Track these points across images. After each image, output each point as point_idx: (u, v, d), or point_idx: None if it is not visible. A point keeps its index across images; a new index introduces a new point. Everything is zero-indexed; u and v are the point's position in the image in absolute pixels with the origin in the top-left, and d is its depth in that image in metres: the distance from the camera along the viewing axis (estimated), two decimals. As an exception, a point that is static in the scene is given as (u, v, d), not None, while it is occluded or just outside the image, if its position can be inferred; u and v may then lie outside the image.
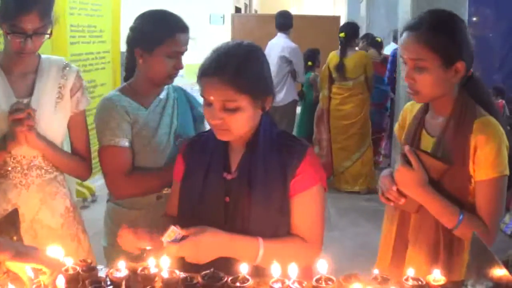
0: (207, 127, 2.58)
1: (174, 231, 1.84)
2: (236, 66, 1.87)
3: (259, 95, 1.94)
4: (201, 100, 2.30)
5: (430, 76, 1.99)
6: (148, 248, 1.93)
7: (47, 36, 2.33)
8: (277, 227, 1.99)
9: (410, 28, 2.04)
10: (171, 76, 2.52)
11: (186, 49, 2.49)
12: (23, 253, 1.75)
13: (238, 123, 1.92)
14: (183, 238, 1.84)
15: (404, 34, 2.06)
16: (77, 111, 2.53)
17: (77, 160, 2.54)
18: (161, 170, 2.51)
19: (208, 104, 1.93)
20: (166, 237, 1.83)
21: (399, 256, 2.17)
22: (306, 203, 2.00)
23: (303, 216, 2.01)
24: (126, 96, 2.55)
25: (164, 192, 2.53)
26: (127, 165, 2.49)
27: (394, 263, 2.16)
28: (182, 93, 2.73)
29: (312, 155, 2.04)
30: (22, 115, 2.24)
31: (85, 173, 2.60)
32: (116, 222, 2.57)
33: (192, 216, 2.03)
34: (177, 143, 2.57)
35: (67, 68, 2.50)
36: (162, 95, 2.63)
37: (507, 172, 1.99)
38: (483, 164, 1.98)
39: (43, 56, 2.48)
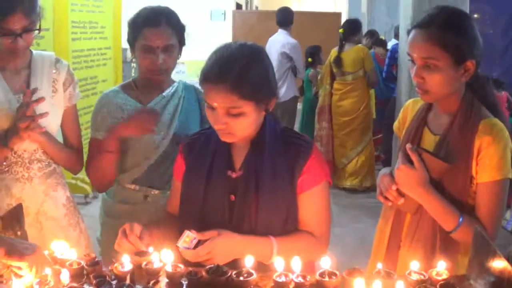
0: None
1: (189, 236, 1.84)
2: (239, 72, 1.84)
3: (263, 99, 1.93)
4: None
5: (440, 75, 1.95)
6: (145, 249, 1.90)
7: (37, 32, 2.35)
8: (285, 224, 2.00)
9: (419, 26, 1.99)
10: (152, 71, 2.50)
11: (162, 44, 2.45)
12: (15, 251, 1.76)
13: (242, 127, 1.91)
14: (198, 242, 1.85)
15: (413, 32, 2.01)
16: (70, 105, 2.57)
17: (71, 153, 2.58)
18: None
19: (211, 108, 1.91)
20: (182, 243, 1.83)
21: (392, 256, 2.16)
22: (313, 200, 2.02)
23: (311, 212, 2.02)
24: (124, 93, 2.60)
25: (152, 192, 2.58)
26: None
27: (387, 263, 2.13)
28: (194, 93, 2.70)
29: (317, 152, 2.04)
30: (32, 123, 2.27)
31: (77, 166, 2.63)
32: (108, 214, 2.66)
33: (195, 215, 2.02)
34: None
35: (59, 63, 2.54)
36: (167, 92, 2.62)
37: (510, 175, 1.96)
38: (487, 166, 1.94)
39: (34, 51, 2.51)
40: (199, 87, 2.70)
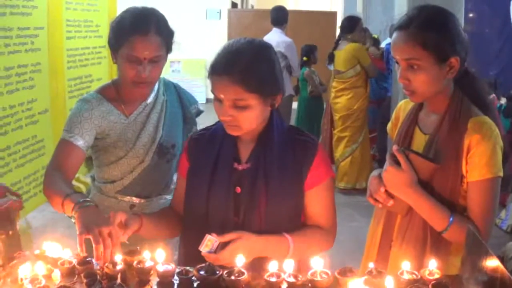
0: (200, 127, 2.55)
1: (210, 240, 1.85)
2: (245, 65, 1.88)
3: (268, 94, 1.95)
4: (197, 96, 2.24)
5: (424, 74, 1.95)
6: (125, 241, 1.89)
7: None
8: (292, 218, 2.04)
9: (399, 27, 1.99)
10: (135, 83, 2.32)
11: (149, 55, 2.26)
12: None
13: (247, 119, 1.94)
14: (219, 244, 1.86)
15: (394, 34, 2.02)
16: None
17: None
18: (71, 195, 2.03)
19: (218, 100, 1.94)
20: (204, 247, 1.84)
21: (384, 256, 2.17)
22: (321, 195, 2.07)
23: (320, 208, 2.08)
24: (107, 101, 2.43)
25: (137, 201, 2.51)
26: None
27: (378, 263, 2.11)
28: (174, 92, 2.61)
29: (322, 148, 2.09)
30: None
31: None
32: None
33: (201, 209, 2.03)
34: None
35: None
36: (150, 99, 2.49)
37: (501, 173, 1.94)
38: (476, 165, 1.93)
39: None
40: (179, 84, 2.66)
